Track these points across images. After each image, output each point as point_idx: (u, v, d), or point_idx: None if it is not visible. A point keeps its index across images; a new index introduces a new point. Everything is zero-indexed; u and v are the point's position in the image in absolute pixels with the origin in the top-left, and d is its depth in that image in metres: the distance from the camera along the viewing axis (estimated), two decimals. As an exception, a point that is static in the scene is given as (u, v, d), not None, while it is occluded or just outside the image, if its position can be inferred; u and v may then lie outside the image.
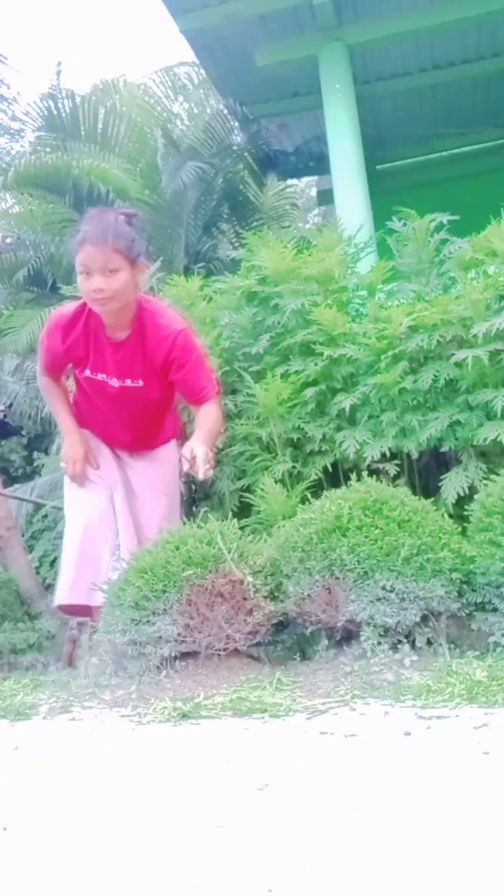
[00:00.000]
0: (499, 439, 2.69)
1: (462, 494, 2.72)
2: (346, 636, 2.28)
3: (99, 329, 2.76)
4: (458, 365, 2.81)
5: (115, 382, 2.82)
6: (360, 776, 1.43)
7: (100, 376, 2.83)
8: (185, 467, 2.63)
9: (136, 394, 2.83)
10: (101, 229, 2.60)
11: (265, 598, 2.32)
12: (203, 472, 2.57)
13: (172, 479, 3.02)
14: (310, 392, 3.00)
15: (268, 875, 1.05)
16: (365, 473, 2.57)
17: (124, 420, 2.93)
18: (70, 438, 2.96)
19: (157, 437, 3.01)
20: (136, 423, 2.95)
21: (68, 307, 2.86)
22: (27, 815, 1.39)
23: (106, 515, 2.88)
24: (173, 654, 2.28)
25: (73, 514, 2.94)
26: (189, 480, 3.45)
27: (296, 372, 3.06)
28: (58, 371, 2.96)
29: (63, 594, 2.80)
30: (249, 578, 2.30)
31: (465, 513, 2.47)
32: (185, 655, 2.31)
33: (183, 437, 3.04)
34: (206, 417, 2.77)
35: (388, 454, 2.88)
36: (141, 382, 2.81)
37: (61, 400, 3.01)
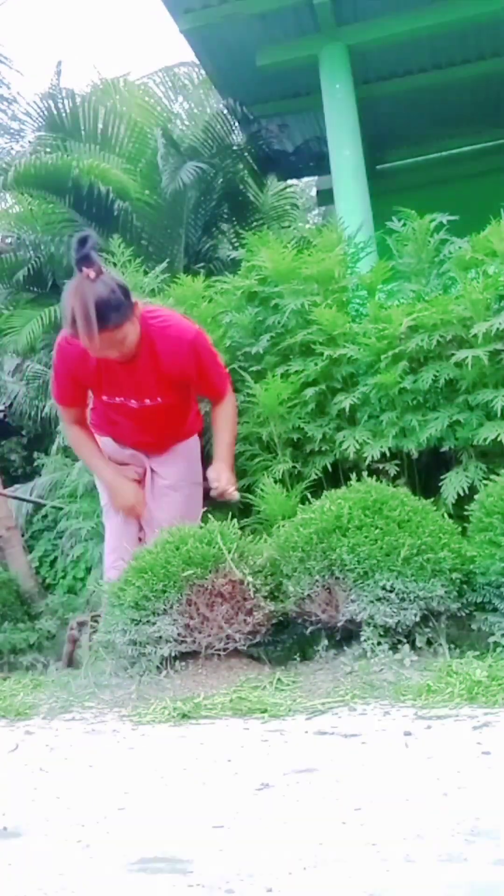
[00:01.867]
0: (499, 439, 2.69)
1: (462, 494, 2.72)
2: (346, 636, 2.28)
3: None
4: (458, 365, 2.81)
5: (133, 403, 2.85)
6: (360, 776, 1.43)
7: (117, 399, 2.85)
8: (214, 494, 2.80)
9: (156, 409, 2.86)
10: (91, 321, 2.50)
11: (265, 598, 2.32)
12: (230, 495, 2.79)
13: (192, 474, 3.02)
14: (310, 392, 3.00)
15: (268, 875, 1.05)
16: (365, 473, 2.57)
17: (146, 431, 2.96)
18: (116, 488, 2.94)
19: (177, 437, 3.03)
20: (159, 432, 2.98)
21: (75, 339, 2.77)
22: (27, 815, 1.39)
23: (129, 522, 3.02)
24: (173, 654, 2.28)
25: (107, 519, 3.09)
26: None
27: (296, 372, 3.06)
28: (73, 401, 2.92)
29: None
30: (249, 578, 2.30)
31: (465, 513, 2.47)
32: (185, 655, 2.31)
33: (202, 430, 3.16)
34: (223, 422, 2.90)
35: (388, 454, 2.88)
36: (160, 399, 2.84)
37: (90, 446, 2.97)
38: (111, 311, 2.54)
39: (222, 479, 2.79)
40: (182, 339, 2.75)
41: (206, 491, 2.94)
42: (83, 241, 2.54)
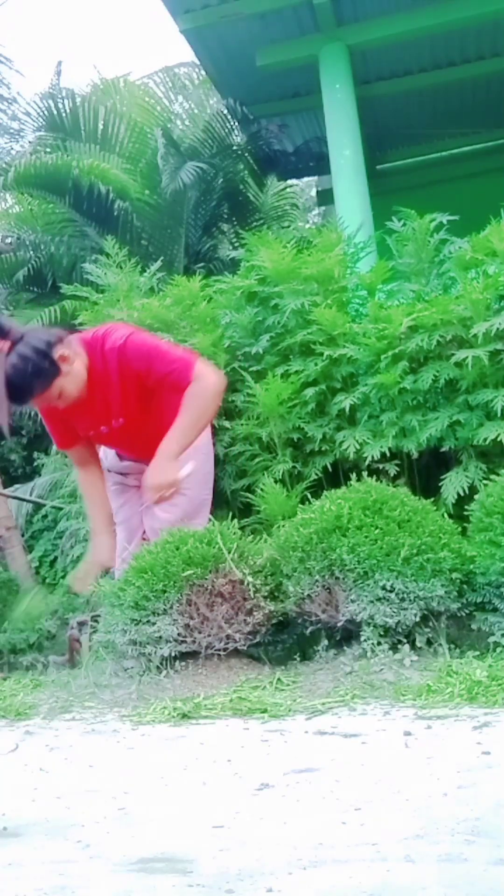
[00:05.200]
0: (499, 439, 2.69)
1: (462, 494, 2.72)
2: (346, 636, 2.28)
3: None
4: (458, 365, 2.81)
5: (104, 429, 2.85)
6: (360, 776, 1.43)
7: (90, 433, 2.88)
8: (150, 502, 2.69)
9: (128, 427, 2.84)
10: (8, 401, 2.49)
11: (265, 598, 2.32)
12: (157, 501, 2.65)
13: (198, 473, 2.90)
14: (310, 392, 3.00)
15: (268, 875, 1.05)
16: (365, 473, 2.57)
17: (132, 446, 2.94)
18: (93, 545, 2.93)
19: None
20: (146, 442, 2.89)
21: None
22: (27, 815, 1.39)
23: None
24: (173, 654, 2.28)
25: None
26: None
27: (296, 372, 3.06)
28: (68, 442, 2.96)
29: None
30: (249, 578, 2.30)
31: (465, 513, 2.47)
32: (185, 655, 2.31)
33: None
34: (180, 410, 2.67)
35: (388, 454, 2.88)
36: (122, 420, 2.81)
37: (90, 496, 2.97)
38: (31, 380, 2.52)
39: (149, 483, 2.65)
40: (115, 349, 2.69)
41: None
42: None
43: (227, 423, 3.15)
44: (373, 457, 2.86)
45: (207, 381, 2.67)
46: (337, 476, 2.97)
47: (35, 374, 2.52)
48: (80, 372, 2.67)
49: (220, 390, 2.73)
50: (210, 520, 2.70)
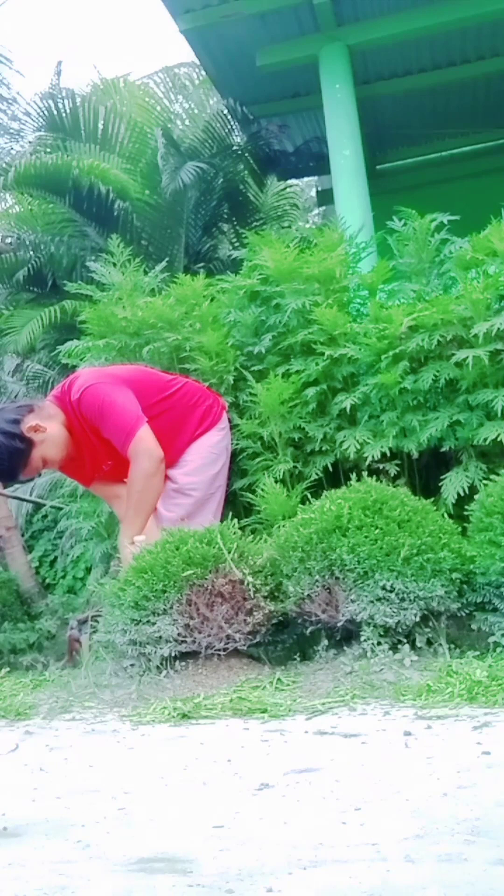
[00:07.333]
0: (499, 439, 2.69)
1: (462, 494, 2.72)
2: (346, 636, 2.28)
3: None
4: (459, 365, 2.81)
5: (105, 468, 2.92)
6: (360, 776, 1.42)
7: (93, 478, 2.97)
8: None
9: (116, 467, 2.89)
10: None
11: (265, 598, 2.32)
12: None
13: (206, 476, 2.96)
14: (311, 392, 3.00)
15: (268, 875, 1.05)
16: (365, 473, 2.57)
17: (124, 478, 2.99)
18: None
19: (174, 452, 2.96)
20: None
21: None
22: (27, 815, 1.39)
23: None
24: (173, 654, 2.28)
25: None
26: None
27: (297, 371, 3.06)
28: (85, 481, 3.06)
29: None
30: (249, 578, 2.30)
31: (465, 513, 2.47)
32: (185, 655, 2.31)
33: (214, 422, 3.04)
34: (126, 492, 2.79)
35: (388, 454, 2.88)
36: (110, 462, 2.88)
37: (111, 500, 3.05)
38: (8, 463, 2.63)
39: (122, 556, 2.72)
40: (76, 402, 2.76)
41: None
42: None
43: (238, 420, 3.14)
44: (373, 457, 2.86)
45: (139, 465, 2.76)
46: (337, 476, 2.97)
47: (10, 456, 2.63)
48: (58, 433, 2.76)
49: (151, 472, 2.78)
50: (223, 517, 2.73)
